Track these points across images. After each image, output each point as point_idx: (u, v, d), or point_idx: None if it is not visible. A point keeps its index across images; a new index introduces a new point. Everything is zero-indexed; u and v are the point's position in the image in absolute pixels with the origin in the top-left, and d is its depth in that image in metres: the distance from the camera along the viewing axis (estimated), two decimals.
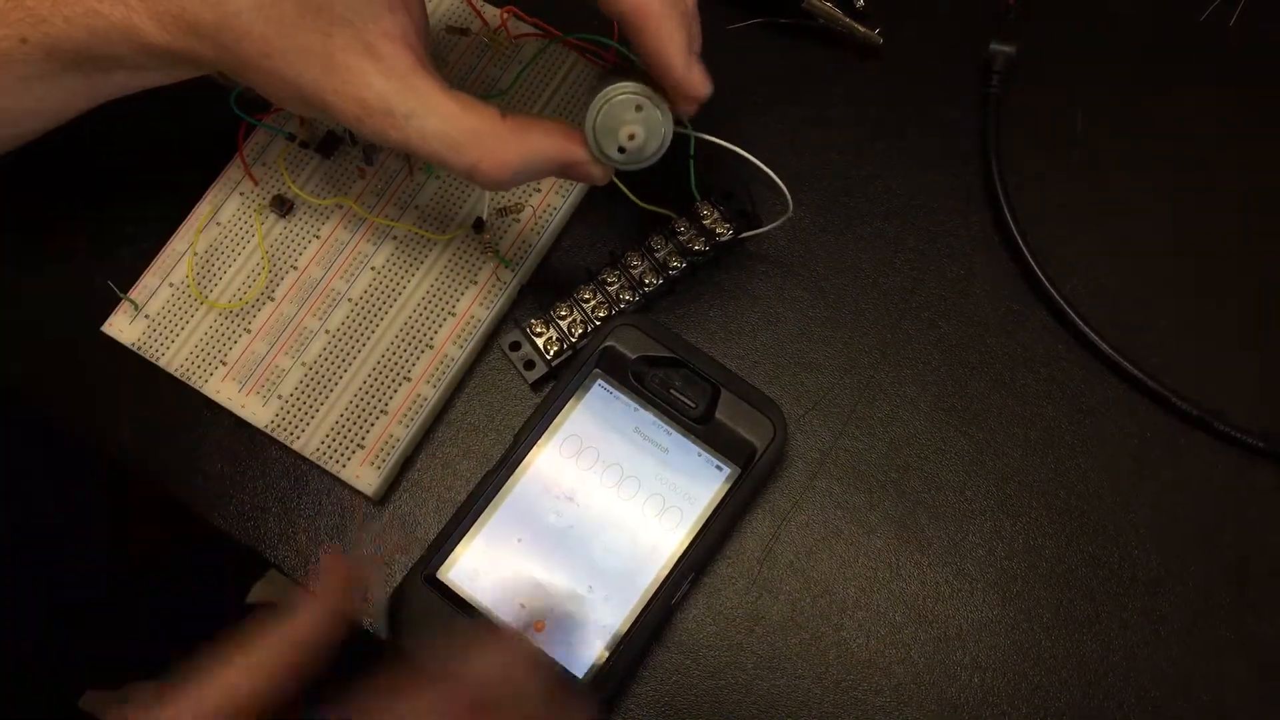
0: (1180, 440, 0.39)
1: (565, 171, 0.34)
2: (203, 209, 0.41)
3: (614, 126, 0.33)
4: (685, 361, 0.37)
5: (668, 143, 0.34)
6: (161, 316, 0.40)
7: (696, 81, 0.32)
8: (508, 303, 0.40)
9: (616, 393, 0.37)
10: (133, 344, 0.39)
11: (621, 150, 0.33)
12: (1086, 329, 0.39)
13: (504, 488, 0.36)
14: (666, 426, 0.37)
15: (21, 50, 0.32)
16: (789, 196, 0.37)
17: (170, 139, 0.43)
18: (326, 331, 0.39)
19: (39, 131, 0.37)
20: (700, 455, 0.37)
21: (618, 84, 0.33)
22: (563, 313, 0.39)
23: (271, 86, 0.32)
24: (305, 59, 0.31)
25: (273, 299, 0.40)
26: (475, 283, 0.40)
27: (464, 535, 0.36)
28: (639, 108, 0.33)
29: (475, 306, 0.39)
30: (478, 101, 0.32)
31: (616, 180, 0.40)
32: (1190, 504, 0.38)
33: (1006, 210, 0.41)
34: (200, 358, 0.39)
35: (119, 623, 0.60)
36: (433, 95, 0.31)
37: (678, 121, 0.34)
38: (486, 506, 0.36)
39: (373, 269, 0.40)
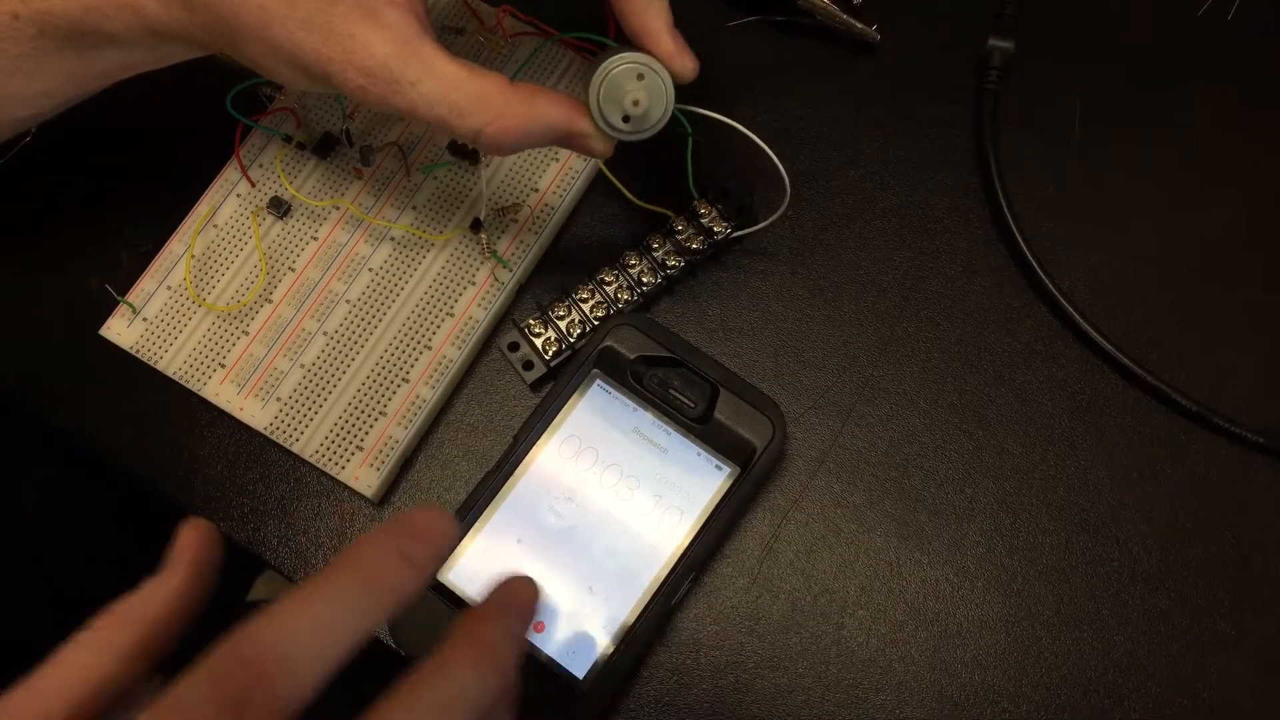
0: (1180, 436, 0.39)
1: (567, 142, 0.34)
2: (200, 211, 0.41)
3: (618, 95, 0.33)
4: (684, 361, 0.37)
5: (670, 110, 0.34)
6: (159, 319, 0.40)
7: (688, 63, 0.33)
8: (506, 303, 0.40)
9: (615, 393, 0.37)
10: (131, 347, 0.39)
11: (626, 119, 0.33)
12: (1086, 325, 0.39)
13: (503, 488, 0.36)
14: (666, 426, 0.37)
15: (13, 26, 0.31)
16: (786, 179, 0.37)
17: (167, 141, 0.43)
18: (325, 333, 0.39)
19: (26, 121, 0.36)
20: (700, 455, 0.37)
21: (618, 54, 0.33)
22: (561, 313, 0.39)
23: (269, 59, 0.31)
24: (306, 28, 0.30)
25: (271, 301, 0.40)
26: (473, 283, 0.40)
27: (463, 536, 0.36)
28: (640, 75, 0.33)
29: (473, 307, 0.39)
30: (482, 68, 0.32)
31: (614, 179, 0.40)
32: (1190, 499, 0.38)
33: (1005, 207, 0.40)
34: (199, 360, 0.39)
35: None
36: (438, 61, 0.31)
37: (676, 99, 0.34)
38: (486, 507, 0.36)
39: (370, 270, 0.40)
